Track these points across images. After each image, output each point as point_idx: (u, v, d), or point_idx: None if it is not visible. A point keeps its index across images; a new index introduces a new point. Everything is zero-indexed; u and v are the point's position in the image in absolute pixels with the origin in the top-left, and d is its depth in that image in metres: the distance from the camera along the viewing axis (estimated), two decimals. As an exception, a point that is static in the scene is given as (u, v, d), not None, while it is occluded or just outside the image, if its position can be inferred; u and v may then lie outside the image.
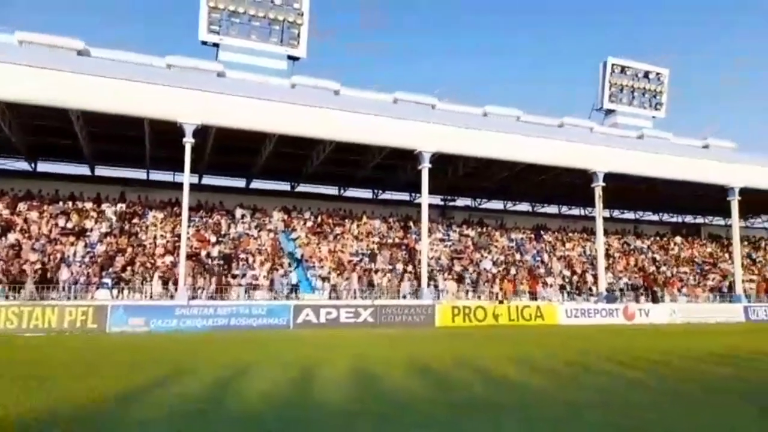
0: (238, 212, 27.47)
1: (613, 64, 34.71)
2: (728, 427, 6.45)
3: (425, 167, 24.82)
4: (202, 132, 22.11)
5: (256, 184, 32.75)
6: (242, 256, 23.94)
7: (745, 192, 30.96)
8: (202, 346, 14.52)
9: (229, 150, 26.68)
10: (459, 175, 30.52)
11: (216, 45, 27.35)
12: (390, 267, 25.95)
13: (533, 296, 26.24)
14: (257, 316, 19.72)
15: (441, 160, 26.64)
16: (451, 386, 9.00)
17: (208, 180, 31.50)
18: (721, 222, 41.95)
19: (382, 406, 7.37)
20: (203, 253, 23.48)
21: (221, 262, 23.06)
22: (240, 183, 32.63)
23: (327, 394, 8.05)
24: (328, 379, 9.24)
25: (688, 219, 43.50)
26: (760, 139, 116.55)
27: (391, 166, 29.74)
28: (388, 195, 35.27)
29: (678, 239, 38.36)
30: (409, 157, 26.18)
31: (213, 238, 24.81)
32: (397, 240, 29.52)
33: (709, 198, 34.68)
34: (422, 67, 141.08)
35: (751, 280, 32.73)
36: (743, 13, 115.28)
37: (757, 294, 31.44)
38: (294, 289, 22.57)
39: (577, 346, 15.45)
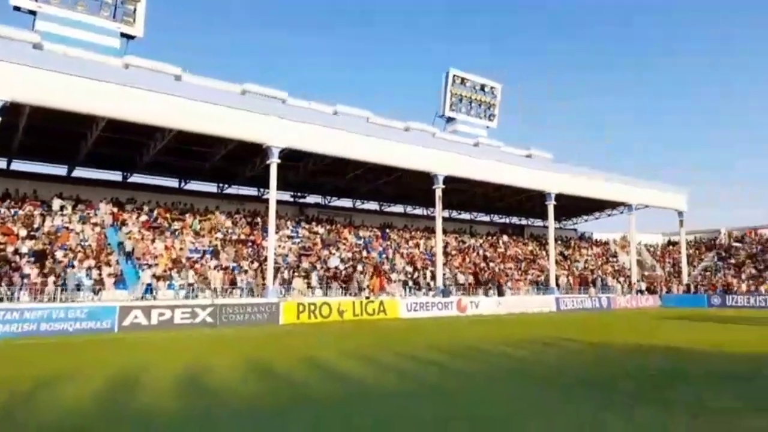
0: (56, 203, 24.24)
1: (454, 75, 37.34)
2: (537, 410, 7.20)
3: (274, 162, 24.30)
4: (12, 110, 19.12)
5: (80, 173, 29.21)
6: (59, 252, 21.18)
7: (560, 197, 35.36)
8: None
9: (48, 133, 23.48)
10: (309, 172, 30.43)
11: (32, 12, 23.86)
12: (234, 264, 24.92)
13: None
14: (75, 320, 17.51)
15: (291, 156, 26.29)
16: (290, 383, 8.85)
17: (19, 166, 27.39)
18: (541, 223, 47.35)
19: (210, 408, 6.96)
20: (10, 249, 20.29)
21: (32, 259, 20.14)
22: (60, 170, 28.89)
23: (149, 401, 7.39)
24: (152, 386, 8.51)
25: (514, 220, 48.47)
26: (571, 151, 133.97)
27: (238, 160, 28.57)
28: (234, 189, 33.86)
29: (505, 238, 42.52)
30: (258, 151, 25.42)
31: (23, 232, 21.59)
32: (243, 236, 28.47)
33: (531, 202, 39.01)
34: (276, 63, 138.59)
35: (563, 275, 37.43)
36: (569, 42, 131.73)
37: (572, 286, 36.06)
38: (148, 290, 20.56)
39: (413, 339, 16.25)
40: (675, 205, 42.55)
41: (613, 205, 42.44)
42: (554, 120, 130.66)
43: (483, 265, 35.62)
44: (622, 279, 40.61)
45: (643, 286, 40.28)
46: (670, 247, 49.70)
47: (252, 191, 34.32)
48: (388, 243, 34.33)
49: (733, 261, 43.38)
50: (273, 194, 24.69)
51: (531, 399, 7.76)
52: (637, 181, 40.48)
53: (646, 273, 44.71)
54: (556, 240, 38.23)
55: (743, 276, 39.95)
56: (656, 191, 41.20)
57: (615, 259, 46.57)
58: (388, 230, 36.26)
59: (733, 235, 47.38)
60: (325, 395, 7.90)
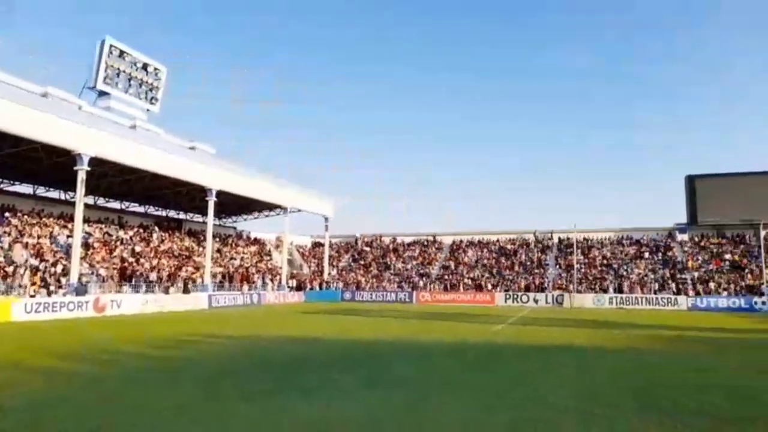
0: None
1: (111, 46, 32.87)
2: (175, 409, 6.58)
3: None
4: None
5: None
6: None
7: (221, 194, 35.18)
8: None
9: None
10: None
11: None
12: None
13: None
14: None
15: None
16: None
17: None
18: (201, 219, 46.30)
19: None
20: None
21: None
22: None
23: None
24: None
25: (172, 213, 45.94)
26: (235, 149, 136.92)
27: None
28: None
29: (160, 232, 39.91)
30: None
31: None
32: None
33: (191, 196, 37.69)
34: None
35: (219, 272, 37.37)
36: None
37: (227, 283, 36.21)
38: None
39: (23, 345, 13.37)
40: (323, 211, 47.79)
41: (271, 206, 44.79)
42: (220, 116, 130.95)
43: (131, 260, 32.48)
44: (275, 277, 43.16)
45: (292, 283, 43.77)
46: (317, 248, 55.54)
47: None
48: (7, 230, 27.82)
49: (363, 262, 51.32)
50: None
51: (168, 398, 7.20)
52: (293, 186, 43.86)
53: (295, 271, 48.74)
54: (214, 237, 37.95)
55: (369, 275, 47.69)
56: (308, 197, 45.49)
57: (269, 258, 49.24)
58: (7, 214, 29.42)
59: (365, 240, 56.14)
60: None
